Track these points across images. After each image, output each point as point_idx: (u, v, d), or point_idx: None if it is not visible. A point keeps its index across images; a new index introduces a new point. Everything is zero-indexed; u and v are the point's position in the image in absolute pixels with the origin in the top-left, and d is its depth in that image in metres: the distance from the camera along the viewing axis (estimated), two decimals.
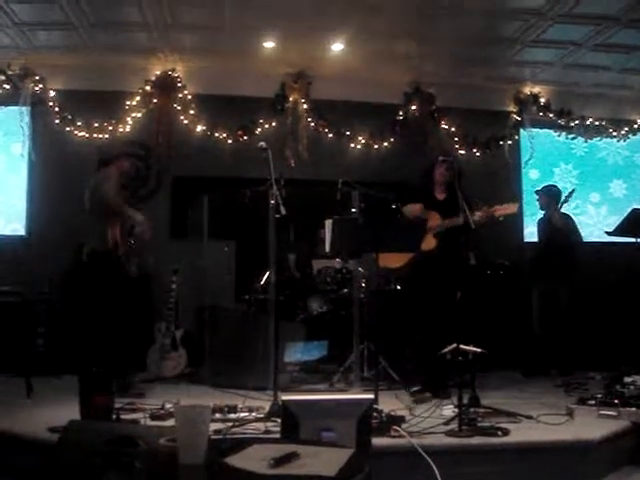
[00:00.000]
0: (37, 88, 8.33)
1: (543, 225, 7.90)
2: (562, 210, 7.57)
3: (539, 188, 8.01)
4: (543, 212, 7.91)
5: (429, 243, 5.95)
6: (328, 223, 5.68)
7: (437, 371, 5.79)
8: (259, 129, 8.75)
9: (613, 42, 7.98)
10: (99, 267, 5.91)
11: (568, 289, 7.57)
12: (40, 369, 6.40)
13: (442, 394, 5.55)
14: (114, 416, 4.29)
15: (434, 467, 3.64)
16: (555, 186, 8.03)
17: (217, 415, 4.51)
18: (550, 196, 7.77)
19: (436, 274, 5.90)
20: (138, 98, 8.56)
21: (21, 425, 4.44)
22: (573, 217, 7.89)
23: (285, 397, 3.60)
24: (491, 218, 5.69)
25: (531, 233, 8.74)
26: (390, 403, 5.22)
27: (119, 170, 6.15)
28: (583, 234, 7.92)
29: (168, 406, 4.75)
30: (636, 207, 7.11)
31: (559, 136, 9.59)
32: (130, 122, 8.54)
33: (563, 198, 7.50)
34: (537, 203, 7.95)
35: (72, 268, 7.63)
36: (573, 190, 7.55)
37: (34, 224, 8.31)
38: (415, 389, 5.81)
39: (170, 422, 4.17)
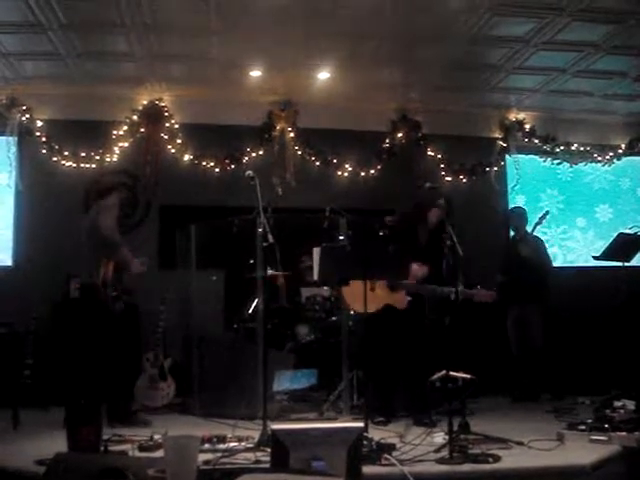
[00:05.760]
0: (24, 118, 8.33)
1: (511, 247, 7.91)
2: (534, 233, 7.59)
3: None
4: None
5: (401, 300, 5.88)
6: (316, 251, 5.67)
7: (416, 399, 5.81)
8: (246, 158, 8.78)
9: (596, 68, 8.10)
10: (87, 302, 5.84)
11: (539, 312, 7.57)
12: (27, 401, 6.34)
13: (426, 422, 5.54)
14: (102, 447, 4.25)
15: None
16: (520, 207, 8.12)
17: (206, 445, 4.46)
18: (514, 216, 7.83)
19: (402, 330, 5.84)
20: (125, 128, 8.58)
21: (7, 457, 4.37)
22: (544, 240, 7.90)
23: (274, 426, 3.58)
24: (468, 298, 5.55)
25: None
26: (380, 431, 5.19)
27: (118, 200, 6.01)
28: (570, 258, 7.95)
29: (157, 437, 4.70)
30: (622, 231, 7.16)
31: (544, 162, 9.66)
32: (117, 152, 8.55)
33: (537, 220, 7.54)
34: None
35: (61, 300, 7.64)
36: (547, 212, 7.59)
37: (21, 255, 8.25)
38: (378, 420, 5.75)
39: (159, 453, 4.12)
